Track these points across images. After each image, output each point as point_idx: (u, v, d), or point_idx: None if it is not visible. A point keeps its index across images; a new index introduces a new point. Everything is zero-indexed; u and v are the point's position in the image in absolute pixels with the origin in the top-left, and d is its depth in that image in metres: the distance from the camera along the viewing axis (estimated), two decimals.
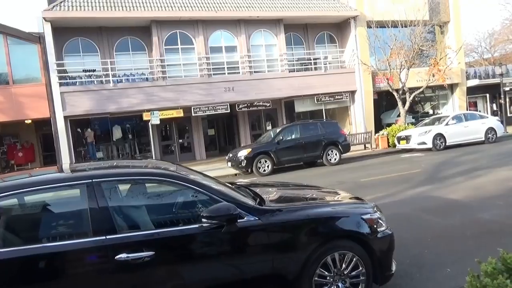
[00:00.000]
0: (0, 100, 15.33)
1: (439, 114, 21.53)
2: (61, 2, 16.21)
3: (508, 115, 25.59)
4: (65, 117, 16.12)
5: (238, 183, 4.50)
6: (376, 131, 20.06)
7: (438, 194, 7.69)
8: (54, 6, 15.85)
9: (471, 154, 13.28)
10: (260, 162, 13.12)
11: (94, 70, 17.27)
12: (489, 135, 16.07)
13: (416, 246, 5.00)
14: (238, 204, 3.16)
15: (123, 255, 2.72)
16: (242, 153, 13.19)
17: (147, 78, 17.96)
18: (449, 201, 7.11)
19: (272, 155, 13.20)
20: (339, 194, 4.37)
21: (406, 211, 6.66)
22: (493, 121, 16.56)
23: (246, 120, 21.14)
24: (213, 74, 18.55)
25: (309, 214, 3.39)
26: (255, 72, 19.24)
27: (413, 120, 22.04)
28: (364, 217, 3.56)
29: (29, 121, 16.89)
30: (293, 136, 13.89)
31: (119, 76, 17.56)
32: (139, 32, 18.06)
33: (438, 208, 6.73)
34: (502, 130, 16.81)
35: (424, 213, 6.46)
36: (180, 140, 20.67)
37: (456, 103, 23.43)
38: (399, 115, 20.50)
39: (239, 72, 19.01)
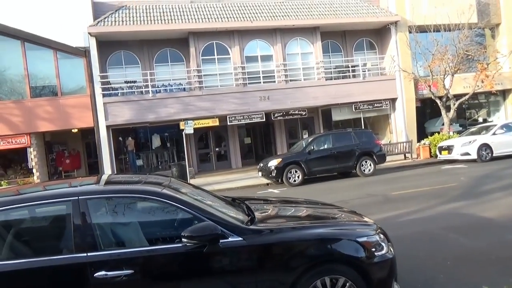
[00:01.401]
0: (50, 110, 16.45)
1: (489, 122, 20.18)
2: (105, 18, 17.18)
3: None
4: (107, 126, 16.95)
5: (237, 198, 4.46)
6: (420, 140, 19.16)
7: (471, 211, 7.17)
8: (98, 22, 16.82)
9: None
10: (291, 172, 12.98)
11: (135, 81, 18.05)
12: None
13: (432, 269, 4.68)
14: (223, 223, 3.14)
15: (101, 273, 2.78)
16: (273, 163, 13.13)
17: (184, 88, 18.48)
18: (481, 219, 6.60)
19: (302, 165, 13.02)
20: (342, 213, 4.19)
21: (431, 229, 6.27)
22: None
23: (283, 129, 21.06)
24: (249, 83, 18.70)
25: (299, 235, 3.29)
26: (290, 80, 19.16)
27: (460, 129, 20.82)
28: (360, 240, 3.38)
29: (76, 130, 17.93)
30: (325, 146, 13.62)
31: (158, 87, 18.21)
32: (178, 44, 18.66)
33: (468, 227, 6.26)
34: None
35: (450, 232, 6.04)
36: (217, 149, 20.99)
37: (509, 110, 21.86)
38: (444, 124, 19.45)
39: (274, 81, 19.02)
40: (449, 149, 15.13)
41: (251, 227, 3.26)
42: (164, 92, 18.11)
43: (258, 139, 23.41)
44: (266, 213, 3.98)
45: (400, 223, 6.89)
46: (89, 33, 16.52)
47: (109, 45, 17.81)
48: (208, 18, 18.08)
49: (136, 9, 18.14)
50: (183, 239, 2.94)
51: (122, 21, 17.25)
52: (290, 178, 12.96)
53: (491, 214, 6.82)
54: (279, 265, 3.14)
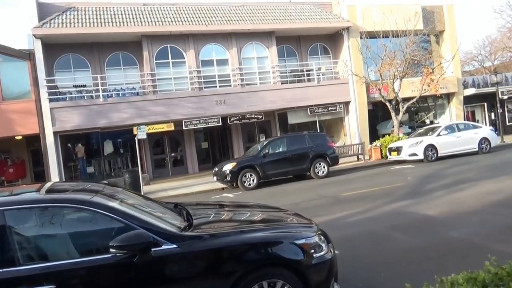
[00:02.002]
0: None
1: (435, 124, 21.26)
2: (51, 19, 16.39)
3: (507, 124, 25.25)
4: (55, 133, 16.14)
5: (179, 204, 4.34)
6: (372, 142, 19.82)
7: (414, 210, 7.46)
8: (44, 23, 16.01)
9: (461, 166, 13.00)
10: (245, 176, 12.96)
11: (84, 86, 17.33)
12: (482, 146, 15.77)
13: (374, 267, 4.79)
14: (156, 231, 3.02)
15: None
16: (227, 167, 13.05)
17: (137, 93, 18.00)
18: (423, 217, 6.87)
19: (257, 169, 13.04)
20: (285, 216, 4.19)
21: (376, 229, 6.44)
22: (487, 131, 16.25)
23: (240, 133, 21.04)
24: (204, 87, 18.54)
25: (236, 240, 3.23)
26: (246, 84, 19.20)
27: (410, 131, 21.77)
28: (298, 242, 3.38)
29: (20, 137, 16.92)
30: (280, 149, 13.73)
31: (110, 91, 17.61)
32: (130, 47, 18.16)
33: (410, 225, 6.50)
34: (496, 140, 16.49)
35: (394, 231, 6.24)
36: (173, 154, 20.61)
37: (453, 112, 23.14)
38: (394, 126, 20.25)
39: (230, 85, 18.98)
40: (398, 150, 15.76)
41: (187, 233, 3.16)
42: (116, 97, 17.55)
43: (216, 143, 23.24)
44: (207, 219, 3.90)
45: (347, 223, 7.04)
46: (33, 35, 15.68)
47: (56, 48, 17.00)
48: (162, 21, 17.76)
49: (85, 11, 17.46)
50: (111, 249, 2.80)
51: (70, 23, 16.53)
52: (245, 182, 12.93)
53: (433, 212, 7.13)
54: (215, 271, 3.07)
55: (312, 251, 3.41)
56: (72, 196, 3.29)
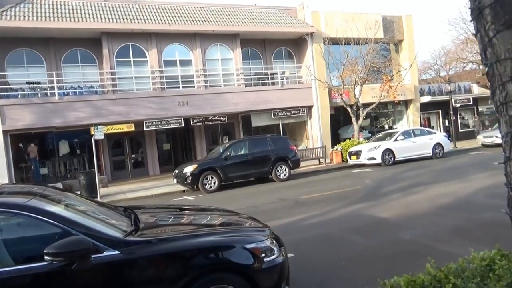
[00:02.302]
0: None
1: (394, 129, 22.02)
2: (3, 11, 15.50)
3: (460, 130, 26.59)
4: (4, 131, 15.24)
5: (129, 207, 4.18)
6: (334, 146, 20.22)
7: (370, 212, 7.63)
8: None
9: (416, 170, 13.52)
10: (206, 179, 12.80)
11: (38, 83, 16.52)
12: (436, 151, 16.49)
13: (328, 270, 4.82)
14: (97, 237, 2.86)
15: None
16: (188, 169, 12.84)
17: (96, 91, 17.36)
18: (377, 219, 7.04)
19: (218, 171, 12.92)
20: (239, 219, 4.13)
21: (332, 231, 6.53)
22: (441, 137, 17.03)
23: (203, 134, 20.83)
24: (167, 87, 18.20)
25: (182, 245, 3.12)
26: (210, 86, 19.04)
27: (370, 135, 22.43)
28: (248, 246, 3.32)
29: None
30: (242, 152, 13.69)
31: (66, 89, 16.88)
32: (89, 44, 17.51)
33: (365, 227, 6.63)
34: (449, 146, 17.30)
35: (348, 233, 6.34)
36: (133, 155, 20.06)
37: (411, 118, 24.07)
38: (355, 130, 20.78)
39: (194, 86, 18.75)
40: (357, 154, 16.18)
41: (130, 239, 3.02)
42: (73, 95, 16.85)
43: (178, 145, 22.87)
44: (156, 223, 3.77)
45: (305, 226, 7.09)
46: None
47: (8, 42, 16.09)
48: (123, 19, 17.26)
49: (41, 4, 16.65)
50: (45, 257, 2.61)
51: (24, 16, 15.71)
52: (206, 184, 12.77)
53: (387, 214, 7.32)
54: (159, 278, 2.95)
55: (263, 255, 3.37)
56: (5, 200, 3.06)
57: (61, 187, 16.41)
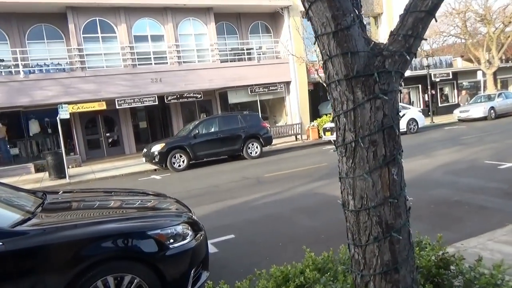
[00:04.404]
0: None
1: None
2: None
3: (439, 105, 26.62)
4: None
5: (46, 192, 3.99)
6: (311, 122, 20.09)
7: (325, 191, 7.56)
8: None
9: None
10: (175, 157, 12.62)
11: (2, 60, 15.91)
12: (410, 126, 16.46)
13: (262, 252, 4.75)
14: None
15: None
16: (156, 148, 12.62)
17: (64, 69, 16.82)
18: (329, 198, 6.96)
19: (187, 150, 12.73)
20: (158, 205, 3.99)
21: (282, 211, 6.45)
22: (415, 112, 16.96)
23: (179, 112, 20.51)
24: (138, 64, 17.70)
25: (77, 234, 2.96)
26: (184, 62, 18.58)
27: None
28: (151, 233, 3.19)
29: None
30: (212, 130, 13.46)
31: (32, 67, 16.31)
32: (55, 19, 16.82)
33: (316, 206, 6.56)
34: (424, 121, 17.26)
35: (297, 213, 6.27)
36: (108, 134, 19.70)
37: None
38: None
39: (166, 63, 18.27)
40: (331, 130, 16.04)
41: (17, 229, 2.85)
42: (39, 73, 16.29)
43: (156, 122, 22.50)
44: (61, 210, 3.60)
45: (257, 206, 7.00)
46: None
47: None
48: None
49: None
50: None
51: None
52: (174, 163, 12.59)
53: (339, 192, 7.24)
54: (47, 269, 2.80)
55: (170, 241, 3.25)
56: None
57: (32, 168, 16.16)
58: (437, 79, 24.23)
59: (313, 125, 18.80)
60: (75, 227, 3.05)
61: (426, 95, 25.70)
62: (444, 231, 4.84)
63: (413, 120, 16.51)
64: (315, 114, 21.70)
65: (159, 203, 4.07)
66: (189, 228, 3.52)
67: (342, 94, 1.50)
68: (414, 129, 16.54)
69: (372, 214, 1.56)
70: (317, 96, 23.10)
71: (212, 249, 5.02)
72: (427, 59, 21.22)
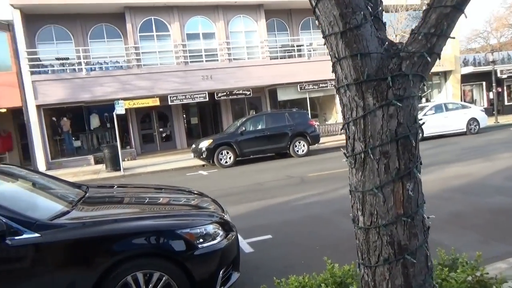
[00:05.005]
0: None
1: (428, 103, 20.71)
2: None
3: (506, 104, 24.55)
4: (38, 106, 16.04)
5: (89, 186, 4.19)
6: None
7: None
8: None
9: (443, 147, 12.67)
10: (222, 154, 12.79)
11: (67, 58, 17.07)
12: (471, 126, 15.34)
13: (298, 255, 4.63)
14: (17, 219, 2.86)
15: None
16: (203, 144, 12.88)
17: (121, 66, 17.70)
18: None
19: (234, 146, 12.85)
20: (193, 202, 4.03)
21: (323, 212, 6.27)
22: (476, 111, 15.75)
23: (229, 108, 20.78)
24: (190, 61, 18.16)
25: (107, 230, 3.05)
26: (234, 59, 18.76)
27: None
28: (180, 232, 3.21)
29: (4, 110, 16.86)
30: (258, 127, 13.47)
31: (93, 64, 17.33)
32: (114, 19, 17.73)
33: None
34: (486, 121, 15.99)
35: (339, 216, 6.06)
36: (161, 129, 20.46)
37: (450, 91, 22.53)
38: None
39: (217, 60, 18.56)
40: None
41: (54, 221, 3.00)
42: (99, 70, 17.28)
43: (207, 118, 23.01)
44: (98, 205, 3.75)
45: (298, 206, 6.88)
46: (11, 4, 15.33)
47: (38, 19, 16.65)
48: None
49: None
50: None
51: None
52: (221, 159, 12.77)
53: None
54: (81, 262, 2.93)
55: (199, 241, 3.26)
56: None
57: (92, 160, 17.23)
58: (504, 76, 22.36)
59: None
60: (108, 222, 3.16)
61: (490, 93, 23.82)
62: (498, 243, 4.44)
63: (474, 119, 15.36)
64: None
65: (195, 201, 4.10)
66: (220, 228, 3.51)
67: (352, 100, 1.37)
68: (475, 129, 15.40)
69: (382, 233, 1.42)
70: None
71: (248, 248, 5.00)
72: (492, 54, 19.60)
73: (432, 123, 14.82)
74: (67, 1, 16.12)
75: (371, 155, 1.36)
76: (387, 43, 1.36)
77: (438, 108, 15.41)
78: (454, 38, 1.35)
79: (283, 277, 4.09)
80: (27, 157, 17.62)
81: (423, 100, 23.24)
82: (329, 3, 1.25)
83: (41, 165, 16.07)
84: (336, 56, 1.30)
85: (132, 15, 17.25)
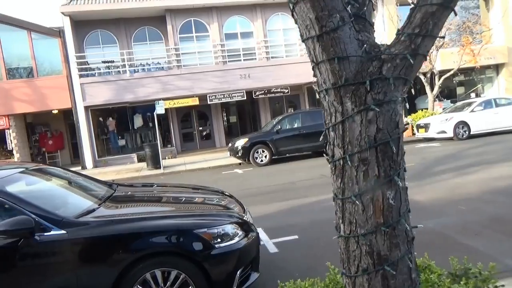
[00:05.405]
0: (27, 92, 16.49)
1: (472, 99, 19.54)
2: None
3: None
4: (86, 107, 16.96)
5: (120, 184, 4.39)
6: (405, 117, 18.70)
7: None
8: (71, 1, 16.56)
9: (490, 145, 11.91)
10: (257, 152, 12.85)
11: (112, 61, 17.90)
12: None
13: (322, 256, 4.55)
14: (45, 216, 3.06)
15: None
16: (239, 143, 13.00)
17: (162, 67, 18.27)
18: (410, 203, 6.40)
19: (270, 145, 12.86)
20: (215, 201, 4.10)
21: None
22: None
23: (267, 106, 20.82)
24: (229, 61, 18.38)
25: (128, 228, 3.19)
26: (272, 57, 18.76)
27: (451, 105, 20.22)
28: (198, 231, 3.28)
29: (56, 111, 18.00)
30: (295, 125, 13.38)
31: (136, 66, 18.04)
32: (155, 22, 18.33)
33: None
34: None
35: None
36: (200, 128, 20.91)
37: (503, 85, 21.10)
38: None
39: (255, 58, 18.64)
40: (425, 127, 14.74)
41: (79, 219, 3.17)
42: (142, 72, 17.96)
43: (246, 117, 23.20)
44: (123, 204, 3.91)
45: (328, 206, 6.69)
46: (62, 12, 16.31)
47: (85, 24, 17.60)
48: None
49: None
50: None
51: (96, 0, 16.96)
52: (257, 158, 12.84)
53: (423, 197, 6.64)
54: (103, 259, 3.08)
55: (217, 240, 3.31)
56: None
57: (135, 158, 17.95)
58: None
59: (406, 122, 17.46)
60: (129, 221, 3.30)
61: None
62: None
63: None
64: (411, 108, 20.15)
65: (217, 201, 4.17)
66: (239, 228, 3.54)
67: (331, 104, 1.33)
68: None
69: (361, 242, 1.37)
70: (414, 89, 21.40)
71: (273, 248, 5.01)
72: None
73: (480, 119, 13.98)
74: (112, 7, 16.89)
75: (349, 162, 1.32)
76: (368, 45, 1.31)
77: (487, 104, 14.49)
78: (443, 37, 1.26)
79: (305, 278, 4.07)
80: (76, 156, 18.71)
81: (472, 95, 21.96)
82: (305, 6, 1.23)
83: (89, 163, 17.00)
84: (315, 60, 1.28)
85: (173, 17, 17.75)
